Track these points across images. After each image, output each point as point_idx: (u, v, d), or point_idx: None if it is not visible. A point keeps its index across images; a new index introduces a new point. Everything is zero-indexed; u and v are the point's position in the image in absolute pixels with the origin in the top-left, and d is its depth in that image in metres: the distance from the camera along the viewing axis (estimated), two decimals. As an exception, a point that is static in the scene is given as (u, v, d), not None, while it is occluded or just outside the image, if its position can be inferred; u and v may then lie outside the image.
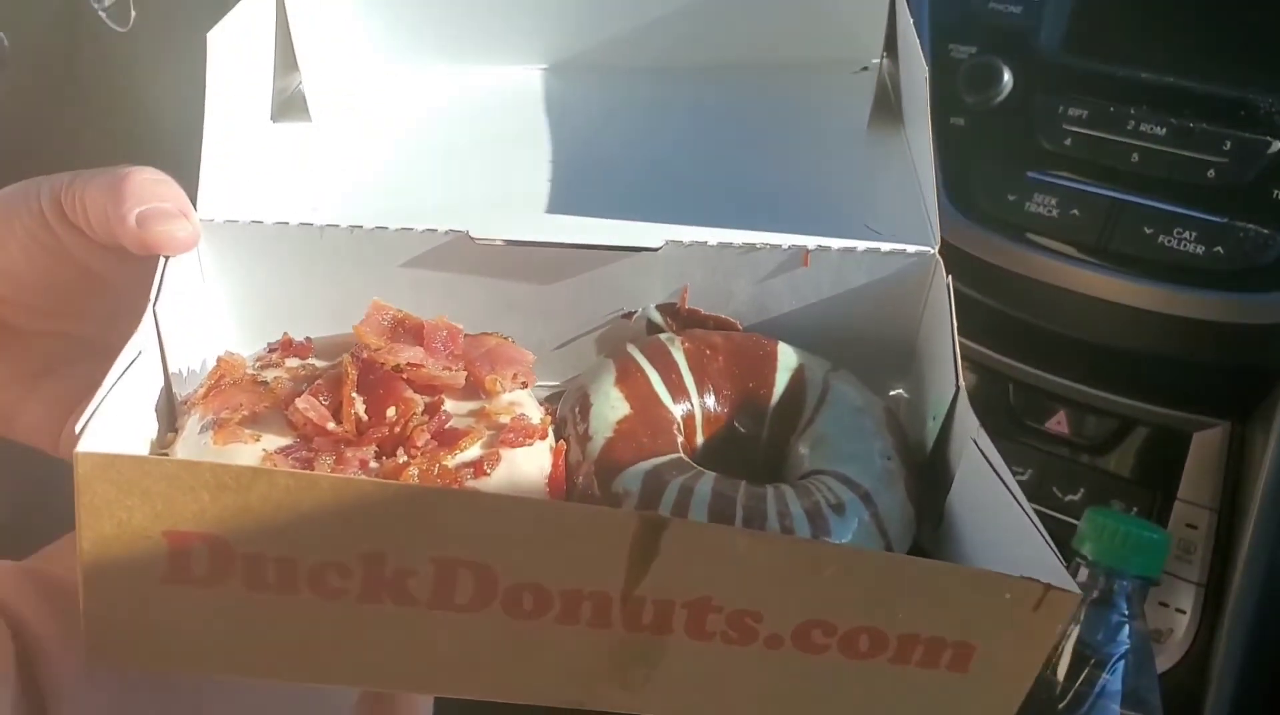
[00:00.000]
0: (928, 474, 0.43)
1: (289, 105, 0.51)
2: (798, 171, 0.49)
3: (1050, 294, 0.60)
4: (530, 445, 0.39)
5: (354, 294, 0.44)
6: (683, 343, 0.44)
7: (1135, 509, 0.62)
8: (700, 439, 0.43)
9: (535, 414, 0.40)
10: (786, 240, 0.45)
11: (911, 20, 0.49)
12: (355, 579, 0.30)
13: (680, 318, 0.46)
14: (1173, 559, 0.60)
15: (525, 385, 0.41)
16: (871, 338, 0.46)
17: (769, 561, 0.31)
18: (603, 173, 0.49)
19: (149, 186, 0.41)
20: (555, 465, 0.39)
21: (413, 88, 0.53)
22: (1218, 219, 0.57)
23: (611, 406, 0.41)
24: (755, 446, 0.43)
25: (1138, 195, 0.59)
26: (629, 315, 0.47)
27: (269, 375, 0.39)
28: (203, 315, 0.44)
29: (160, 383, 0.39)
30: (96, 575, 0.30)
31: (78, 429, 0.30)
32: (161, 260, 0.40)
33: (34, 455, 0.47)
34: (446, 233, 0.44)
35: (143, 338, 0.37)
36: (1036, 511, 0.63)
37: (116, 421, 0.33)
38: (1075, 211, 0.60)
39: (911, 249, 0.45)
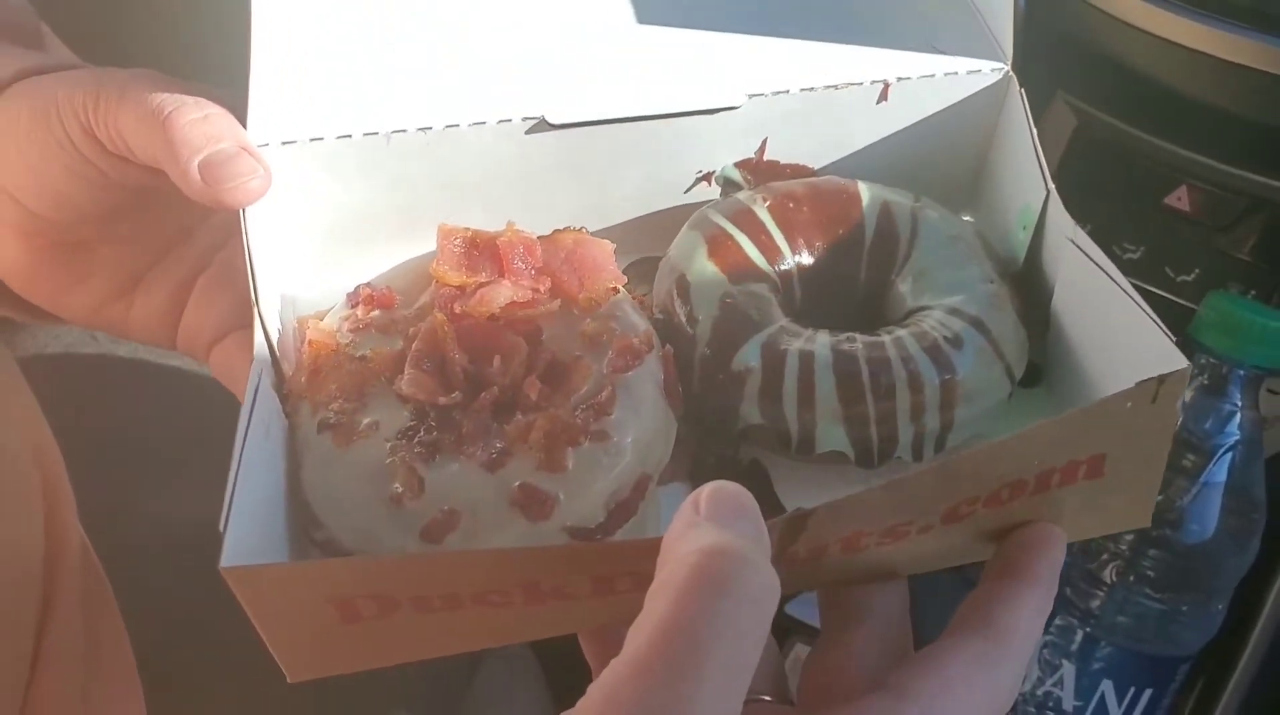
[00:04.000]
0: (1025, 285, 0.42)
1: None
2: None
3: (1190, 59, 0.55)
4: (641, 364, 0.38)
5: (424, 199, 0.42)
6: (764, 200, 0.42)
7: (1253, 292, 0.59)
8: (799, 293, 0.42)
9: (636, 321, 0.40)
10: (867, 76, 0.43)
11: None
12: (517, 597, 0.31)
13: (759, 171, 0.45)
14: (1287, 344, 0.57)
15: (616, 291, 0.40)
16: (939, 165, 0.46)
17: (910, 492, 0.32)
18: (658, 9, 0.45)
19: (198, 128, 0.38)
20: (667, 372, 0.39)
21: None
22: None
23: (709, 279, 0.40)
24: (854, 291, 0.42)
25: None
26: (708, 176, 0.45)
27: (362, 347, 0.39)
28: (273, 240, 0.42)
29: (273, 384, 0.38)
30: (273, 631, 0.31)
31: (221, 526, 0.30)
32: (244, 233, 0.38)
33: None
34: (524, 120, 0.41)
35: (257, 353, 0.37)
36: (1146, 292, 0.61)
37: (253, 467, 0.33)
38: (1228, -34, 0.54)
39: (988, 68, 0.43)
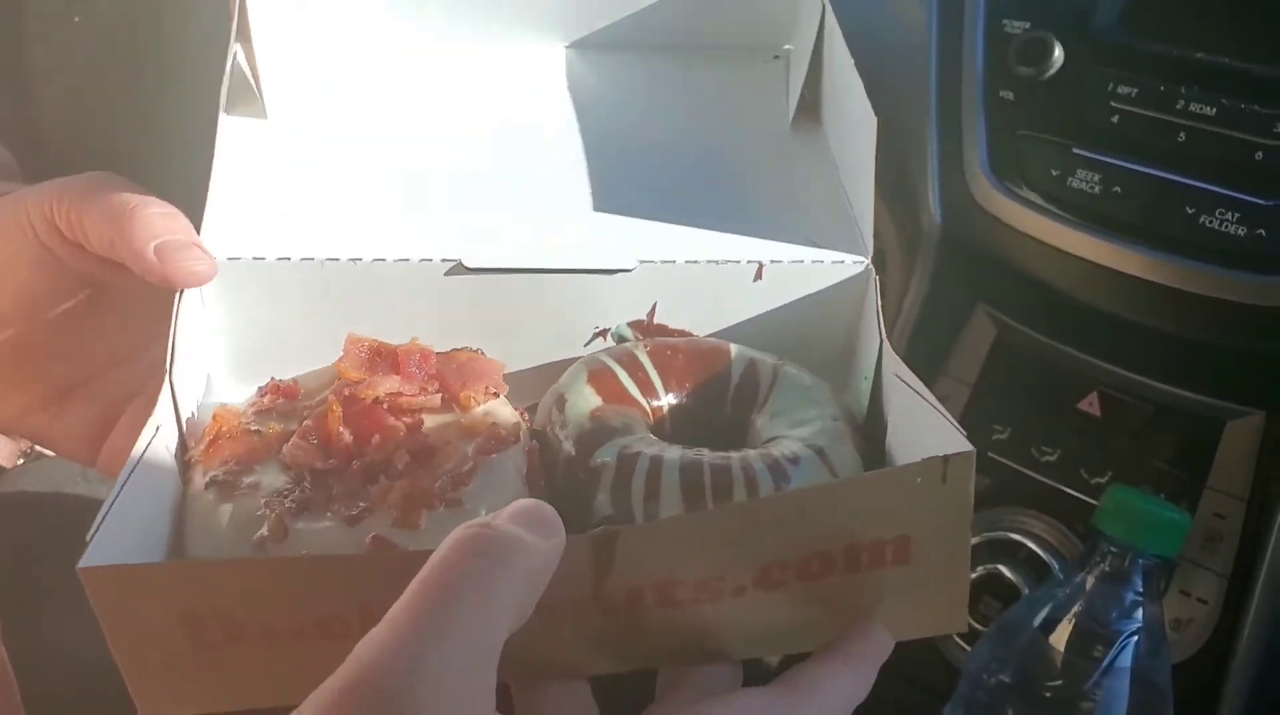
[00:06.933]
0: (866, 428, 0.46)
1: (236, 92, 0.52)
2: (733, 169, 0.53)
3: (1089, 271, 0.60)
4: (505, 450, 0.42)
5: (351, 322, 0.46)
6: (646, 347, 0.47)
7: (1163, 495, 0.61)
8: (668, 427, 0.46)
9: (510, 418, 0.44)
10: (745, 255, 0.48)
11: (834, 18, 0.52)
12: (356, 626, 0.33)
13: (649, 332, 0.50)
14: (1199, 548, 0.59)
15: (496, 395, 0.44)
16: (809, 342, 0.50)
17: (716, 529, 0.34)
18: (572, 174, 0.52)
19: (159, 221, 0.43)
20: (530, 464, 0.42)
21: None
22: (1263, 202, 0.56)
23: (585, 399, 0.45)
24: (718, 428, 0.46)
25: (1182, 175, 0.57)
26: (604, 332, 0.50)
27: (260, 424, 0.43)
28: (202, 345, 0.46)
29: (175, 444, 0.42)
30: (127, 653, 0.33)
31: (88, 536, 0.32)
32: (175, 311, 0.42)
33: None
34: (443, 262, 0.47)
35: (161, 411, 0.40)
36: (1062, 494, 0.63)
37: (135, 499, 0.36)
38: (1118, 189, 0.59)
39: (850, 261, 0.49)
